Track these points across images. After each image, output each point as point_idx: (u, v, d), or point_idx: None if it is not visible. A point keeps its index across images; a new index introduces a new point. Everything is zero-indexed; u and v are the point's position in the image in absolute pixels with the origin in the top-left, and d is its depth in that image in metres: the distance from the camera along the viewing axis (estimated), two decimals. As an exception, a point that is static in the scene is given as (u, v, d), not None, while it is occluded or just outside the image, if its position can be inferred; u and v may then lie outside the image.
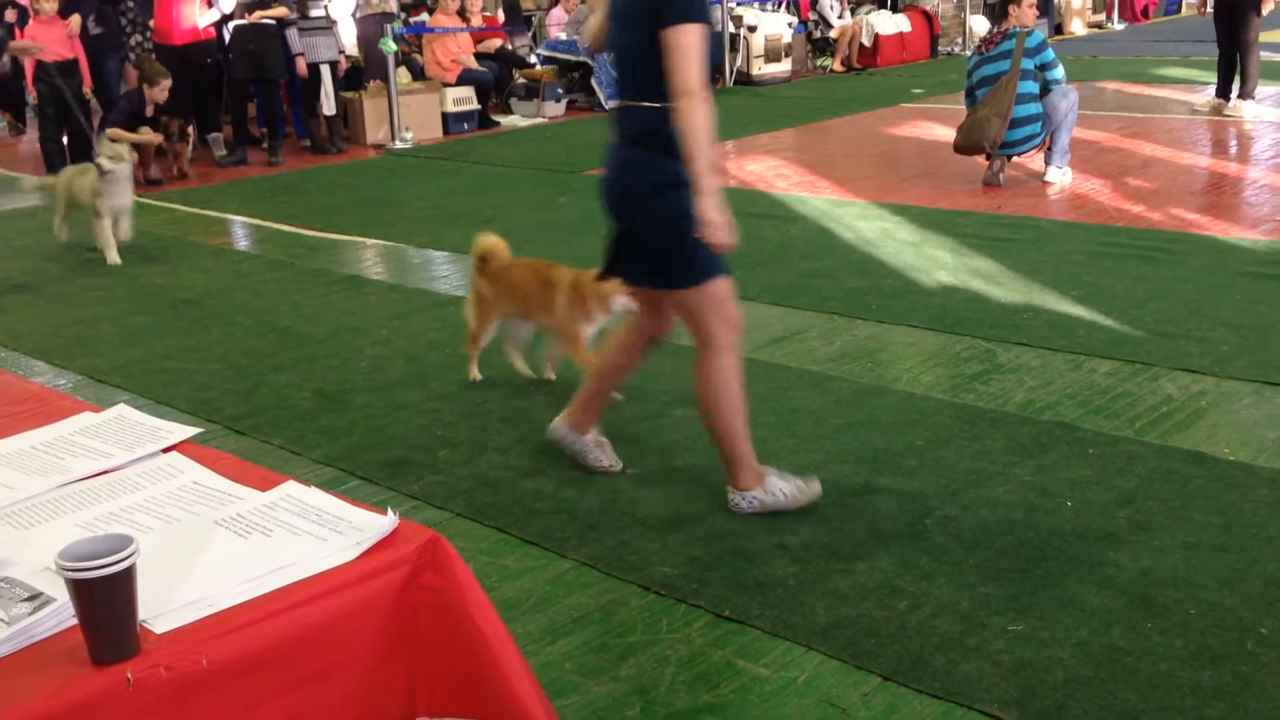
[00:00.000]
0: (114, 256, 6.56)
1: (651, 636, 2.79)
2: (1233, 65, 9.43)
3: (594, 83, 12.03)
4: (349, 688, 1.55)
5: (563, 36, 12.93)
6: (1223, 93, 9.59)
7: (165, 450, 1.93)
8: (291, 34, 9.68)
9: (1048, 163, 7.49)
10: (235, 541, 1.61)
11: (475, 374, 4.47)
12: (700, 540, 3.20)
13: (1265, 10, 9.16)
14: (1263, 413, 3.88)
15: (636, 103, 3.15)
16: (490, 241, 4.33)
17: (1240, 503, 3.28)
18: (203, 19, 9.59)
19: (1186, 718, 2.39)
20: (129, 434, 1.98)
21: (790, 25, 13.97)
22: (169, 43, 9.50)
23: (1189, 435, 3.72)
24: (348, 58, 11.02)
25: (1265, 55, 10.22)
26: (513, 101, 11.96)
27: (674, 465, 3.68)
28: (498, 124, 11.40)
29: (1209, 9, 9.73)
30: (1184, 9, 19.74)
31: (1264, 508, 3.24)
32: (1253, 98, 9.40)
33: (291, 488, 1.75)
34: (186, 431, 1.98)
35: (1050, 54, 7.23)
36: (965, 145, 7.46)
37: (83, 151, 8.96)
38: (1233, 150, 8.56)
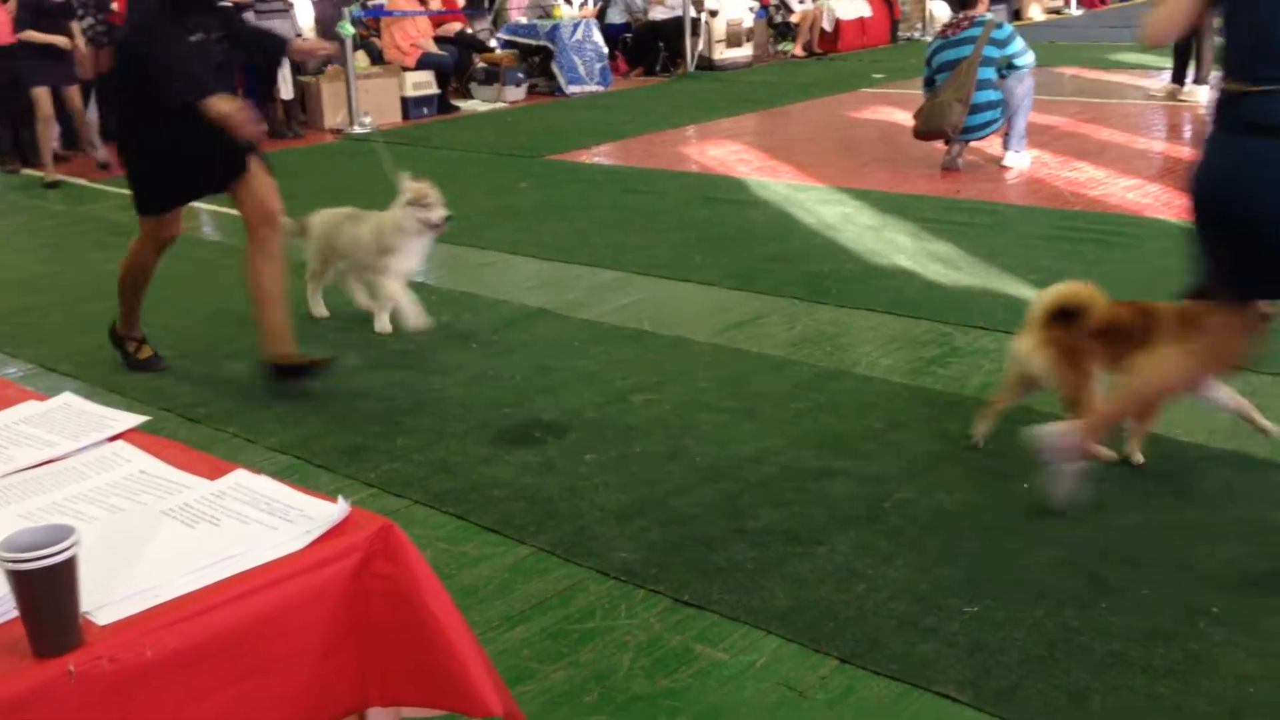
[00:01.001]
0: (420, 318, 4.68)
1: (610, 622, 2.78)
2: (1188, 51, 9.51)
3: (554, 67, 11.97)
4: (299, 677, 1.53)
5: (523, 20, 12.86)
6: (1178, 78, 9.67)
7: (111, 439, 1.89)
8: (248, 17, 9.55)
9: (1006, 147, 7.53)
10: (182, 531, 1.59)
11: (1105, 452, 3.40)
12: (659, 525, 3.20)
13: (1220, -5, 9.24)
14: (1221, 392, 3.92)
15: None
16: (1080, 293, 3.42)
17: (1192, 483, 3.31)
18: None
19: (1138, 696, 2.42)
20: (74, 422, 1.94)
21: (751, 10, 13.96)
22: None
23: (1143, 417, 3.75)
24: (305, 41, 10.90)
25: (1220, 40, 10.31)
26: (473, 86, 11.89)
27: (633, 451, 3.67)
28: (458, 108, 11.32)
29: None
30: (1141, -5, 19.89)
31: (1216, 488, 3.28)
32: (1207, 83, 9.48)
33: (241, 476, 1.73)
34: (133, 419, 1.95)
35: (1018, 43, 7.27)
36: (927, 131, 7.48)
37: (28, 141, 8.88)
38: (1187, 135, 8.64)
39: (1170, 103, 9.62)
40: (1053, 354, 3.37)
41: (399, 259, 4.72)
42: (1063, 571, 2.89)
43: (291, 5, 10.20)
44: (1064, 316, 3.38)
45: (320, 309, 5.09)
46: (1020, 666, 2.53)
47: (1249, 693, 2.42)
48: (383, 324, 4.86)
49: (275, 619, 1.49)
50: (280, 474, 3.44)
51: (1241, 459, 3.43)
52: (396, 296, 4.71)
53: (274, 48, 4.66)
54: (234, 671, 1.46)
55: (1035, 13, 17.69)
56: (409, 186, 4.71)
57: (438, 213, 4.69)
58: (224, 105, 3.90)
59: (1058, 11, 18.42)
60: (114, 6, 9.51)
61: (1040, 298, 3.47)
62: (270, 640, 1.50)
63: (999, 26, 7.28)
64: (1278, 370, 3.92)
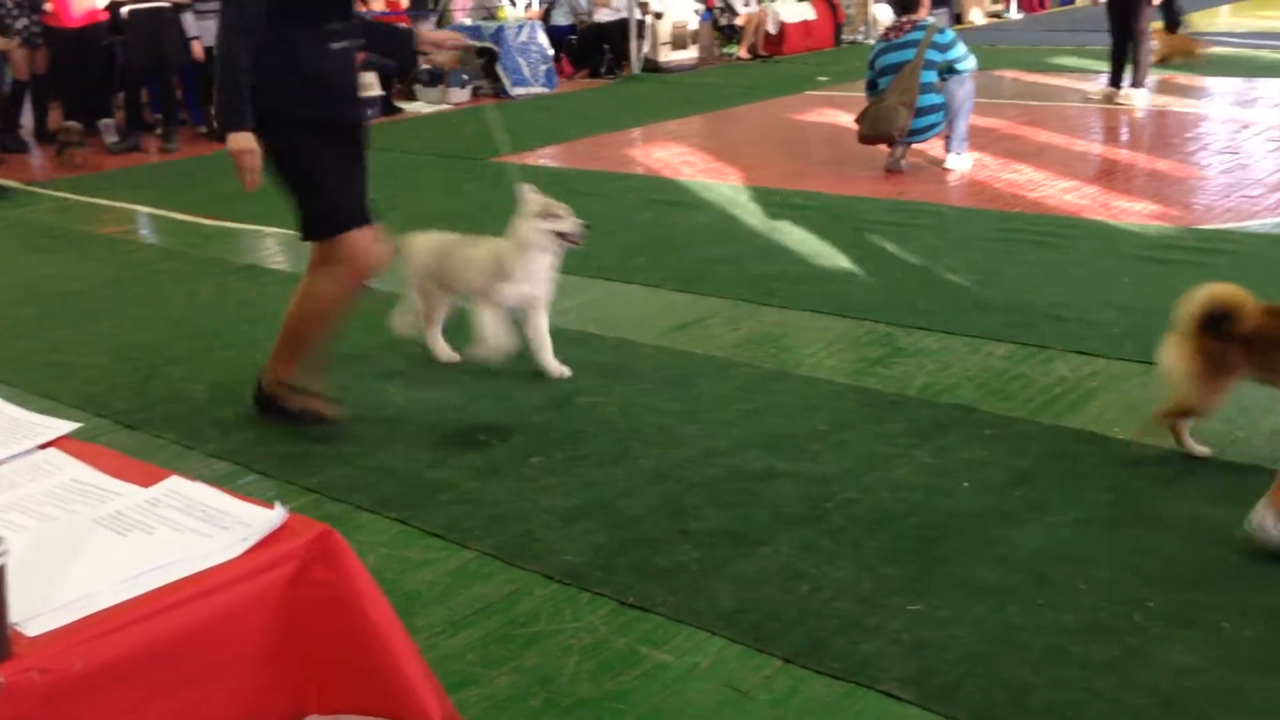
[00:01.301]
0: (553, 365, 4.27)
1: (555, 626, 2.77)
2: (1124, 54, 9.67)
3: (499, 69, 11.92)
4: (235, 686, 1.52)
5: (468, 22, 12.80)
6: (1115, 81, 9.84)
7: (42, 446, 1.86)
8: (188, 17, 9.44)
9: (947, 150, 7.62)
10: (115, 540, 1.56)
11: (1200, 449, 3.46)
12: (604, 528, 3.20)
13: (1156, 1, 9.41)
14: (1150, 392, 3.98)
15: None
16: (1232, 295, 3.27)
17: (1129, 480, 3.37)
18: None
19: (1077, 691, 2.45)
20: (4, 430, 1.90)
21: (697, 12, 14.01)
22: (62, 25, 9.20)
23: (1081, 415, 3.81)
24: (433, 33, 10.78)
25: (1156, 44, 10.51)
26: (417, 88, 11.81)
27: (579, 453, 3.66)
28: (401, 110, 11.25)
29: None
30: (1079, -1, 20.21)
31: (1152, 484, 3.34)
32: (1143, 86, 9.66)
33: (175, 483, 1.70)
34: (65, 426, 1.92)
35: (960, 48, 7.35)
36: (872, 135, 7.54)
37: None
38: (1124, 137, 8.79)
39: (1107, 106, 9.78)
40: (1199, 365, 3.20)
41: (517, 284, 4.14)
42: (1003, 569, 2.92)
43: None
44: (1213, 323, 3.20)
45: (445, 350, 4.47)
46: (962, 663, 2.55)
47: (1185, 685, 2.46)
48: (553, 365, 4.26)
49: (211, 628, 1.47)
50: (219, 481, 3.38)
51: (1176, 456, 3.49)
52: (485, 320, 4.19)
53: (404, 45, 4.13)
54: (169, 681, 1.44)
55: (976, 16, 17.91)
56: (532, 198, 4.13)
57: (571, 223, 4.13)
58: (238, 143, 3.46)
59: (998, 15, 18.67)
60: (47, 7, 9.33)
61: (1188, 302, 3.29)
62: (206, 649, 1.48)
63: (941, 31, 7.36)
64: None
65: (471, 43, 7.02)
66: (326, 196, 3.63)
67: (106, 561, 1.51)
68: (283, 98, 3.53)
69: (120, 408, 4.16)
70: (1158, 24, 10.79)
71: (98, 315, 5.26)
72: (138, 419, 4.06)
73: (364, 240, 3.68)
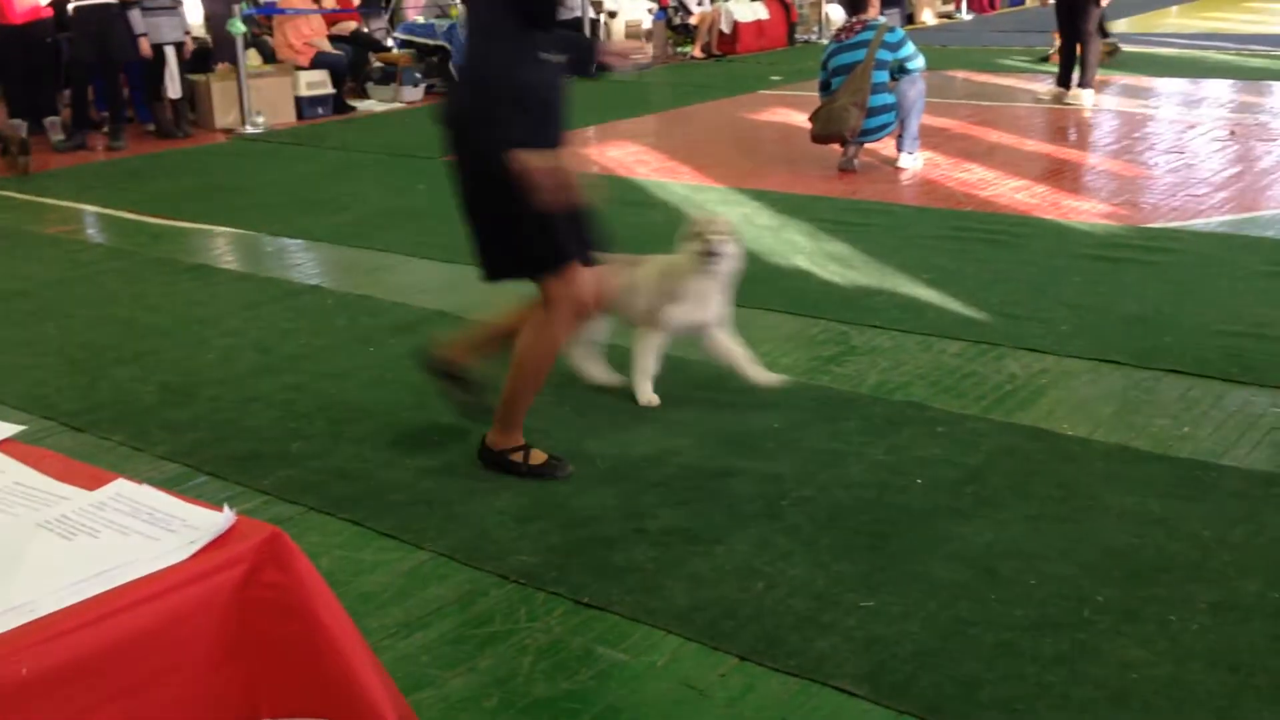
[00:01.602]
0: (765, 376, 4.00)
1: (510, 626, 2.76)
2: (1073, 55, 9.79)
3: (452, 68, 11.85)
4: (184, 691, 1.49)
5: (420, 20, 12.73)
6: (1063, 82, 9.95)
7: (-15, 450, 1.82)
8: (134, 14, 9.30)
9: (900, 149, 7.67)
10: (59, 544, 1.53)
11: None
12: (559, 528, 3.19)
13: (1104, 2, 9.53)
14: (1099, 389, 4.05)
15: None
16: None
17: (1078, 476, 3.41)
18: (42, -6, 9.16)
19: (1028, 685, 2.48)
20: (-55, 433, 1.86)
21: (650, 11, 14.02)
22: (6, 21, 9.03)
23: (1031, 412, 3.85)
24: (194, 39, 10.65)
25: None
26: (369, 86, 11.72)
27: (533, 453, 3.65)
28: (354, 109, 11.16)
29: (1051, 0, 10.07)
30: (1028, 0, 20.42)
31: (1100, 480, 3.38)
32: (1091, 86, 9.78)
33: (122, 486, 1.67)
34: (9, 429, 1.88)
35: (909, 47, 7.41)
36: (824, 135, 7.58)
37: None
38: (1072, 137, 8.90)
39: (1057, 106, 9.89)
40: None
41: (684, 307, 3.88)
42: (955, 564, 2.95)
43: (180, 3, 9.94)
44: None
45: (604, 374, 4.15)
46: (915, 659, 2.58)
47: (1133, 678, 2.49)
48: (765, 376, 3.99)
49: (159, 632, 1.45)
50: (169, 483, 3.36)
51: (1124, 451, 3.54)
52: (643, 360, 3.96)
53: (588, 57, 3.65)
54: (116, 687, 1.41)
55: (928, 17, 18.06)
56: (694, 218, 3.97)
57: (722, 242, 3.83)
58: (532, 160, 3.14)
59: (949, 16, 18.84)
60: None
61: None
62: (154, 654, 1.45)
63: (891, 30, 7.41)
64: None
65: (644, 58, 6.38)
66: (553, 227, 3.24)
67: (51, 566, 1.48)
68: (509, 115, 3.19)
69: (67, 409, 4.10)
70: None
71: (43, 316, 5.18)
72: (85, 420, 4.00)
73: (589, 274, 3.34)
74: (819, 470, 3.48)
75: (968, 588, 2.84)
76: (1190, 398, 3.92)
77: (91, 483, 1.70)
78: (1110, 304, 4.86)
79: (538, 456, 3.50)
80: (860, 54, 7.34)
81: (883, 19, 7.51)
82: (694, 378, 4.21)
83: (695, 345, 4.56)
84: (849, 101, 7.33)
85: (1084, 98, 9.71)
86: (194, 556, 1.51)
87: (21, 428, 1.89)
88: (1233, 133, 8.39)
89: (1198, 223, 6.14)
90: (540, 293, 3.37)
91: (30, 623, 1.38)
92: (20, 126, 8.90)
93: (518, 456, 3.49)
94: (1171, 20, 17.73)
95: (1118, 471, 3.43)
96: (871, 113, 7.35)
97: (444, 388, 3.74)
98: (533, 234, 3.26)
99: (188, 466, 3.63)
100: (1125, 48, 12.48)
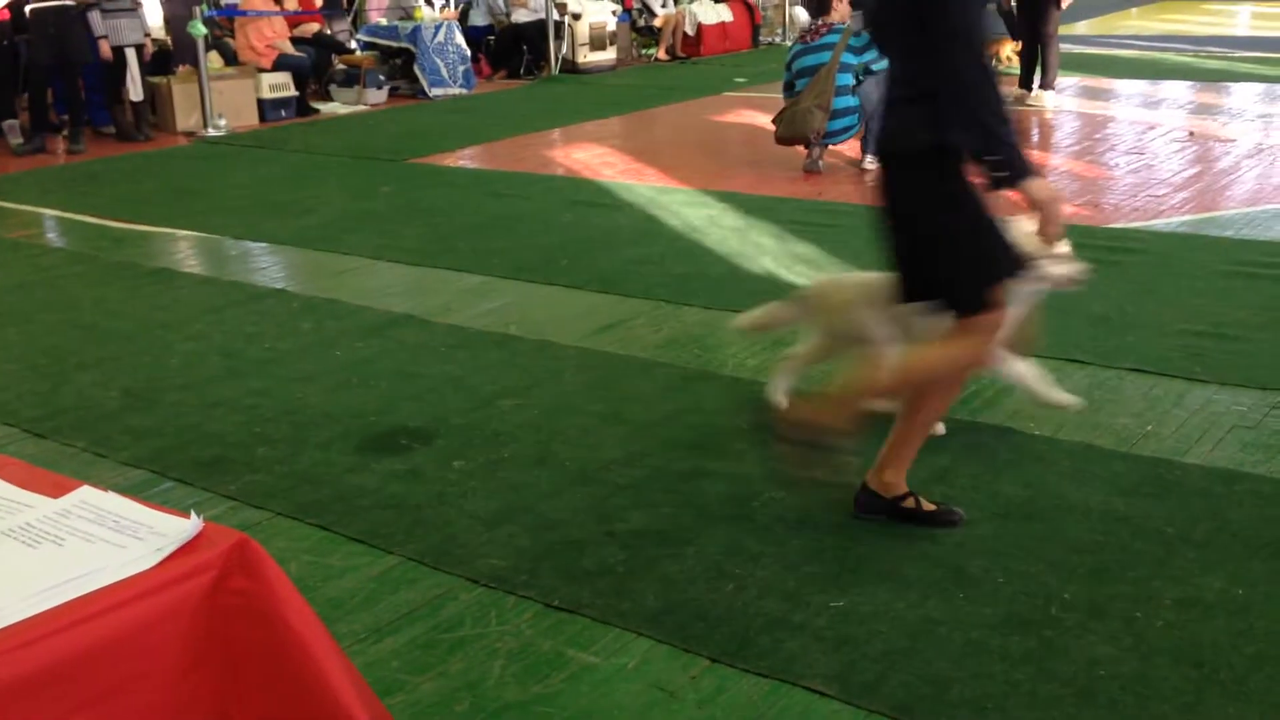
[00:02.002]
0: (1063, 397, 3.62)
1: (480, 630, 2.75)
2: (1035, 57, 9.87)
3: (417, 69, 11.81)
4: (153, 699, 1.48)
5: (383, 22, 12.67)
6: (1025, 84, 10.03)
7: (-54, 458, 1.80)
8: (94, 16, 9.21)
9: (864, 150, 7.71)
10: (23, 552, 1.52)
11: None
12: (529, 531, 3.18)
13: (1064, 4, 9.63)
14: (1064, 388, 4.07)
15: None
16: None
17: (1044, 474, 3.44)
18: (-1, -2, 9.05)
19: (996, 683, 2.50)
20: (-96, 441, 1.84)
21: (615, 13, 14.01)
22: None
23: (997, 411, 3.88)
24: (154, 41, 10.55)
25: (1064, 47, 10.75)
26: (332, 88, 11.65)
27: (501, 456, 3.64)
28: (317, 111, 11.08)
29: (1013, 2, 10.16)
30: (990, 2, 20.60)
31: (1066, 478, 3.41)
32: (1053, 88, 9.87)
33: (87, 493, 1.66)
34: (-30, 437, 1.86)
35: (874, 50, 7.43)
36: (789, 137, 7.60)
37: None
38: (1035, 139, 8.97)
39: (1019, 108, 9.97)
40: None
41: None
42: (924, 564, 2.96)
43: (140, 5, 9.85)
44: None
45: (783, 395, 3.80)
46: (884, 658, 2.59)
47: (1099, 675, 2.52)
48: (1063, 397, 3.62)
49: (126, 640, 1.44)
50: (134, 489, 3.33)
51: (1089, 449, 3.57)
52: (1027, 371, 3.59)
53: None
54: (84, 696, 1.40)
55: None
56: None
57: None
58: (1045, 191, 2.90)
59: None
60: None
61: None
62: (122, 662, 1.44)
63: (856, 34, 7.45)
64: None
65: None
66: (992, 257, 2.95)
67: (16, 575, 1.46)
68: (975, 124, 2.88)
69: (29, 415, 4.05)
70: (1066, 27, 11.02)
71: (4, 321, 5.11)
72: (47, 427, 3.95)
73: (1005, 313, 2.97)
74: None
75: (937, 586, 2.86)
76: (1153, 396, 3.96)
77: (55, 490, 1.68)
78: (1073, 303, 4.89)
79: (928, 504, 3.16)
80: (825, 56, 7.38)
81: (847, 23, 7.54)
82: (662, 380, 4.22)
83: (662, 348, 4.57)
84: (813, 104, 7.36)
85: (1046, 99, 9.80)
86: (161, 564, 1.50)
87: (-17, 435, 1.87)
88: (1191, 134, 8.50)
89: (1158, 223, 6.21)
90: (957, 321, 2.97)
91: (-4, 632, 1.36)
92: None
93: (910, 503, 3.13)
94: (1132, 22, 17.92)
95: (1083, 470, 3.46)
96: (835, 115, 7.38)
97: (794, 455, 3.09)
98: (976, 262, 2.98)
99: (152, 472, 3.60)
100: (1086, 50, 12.57)
